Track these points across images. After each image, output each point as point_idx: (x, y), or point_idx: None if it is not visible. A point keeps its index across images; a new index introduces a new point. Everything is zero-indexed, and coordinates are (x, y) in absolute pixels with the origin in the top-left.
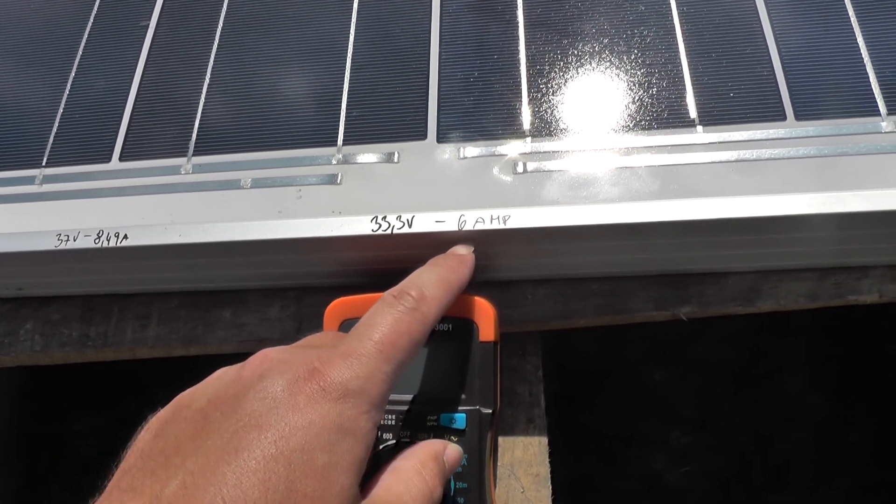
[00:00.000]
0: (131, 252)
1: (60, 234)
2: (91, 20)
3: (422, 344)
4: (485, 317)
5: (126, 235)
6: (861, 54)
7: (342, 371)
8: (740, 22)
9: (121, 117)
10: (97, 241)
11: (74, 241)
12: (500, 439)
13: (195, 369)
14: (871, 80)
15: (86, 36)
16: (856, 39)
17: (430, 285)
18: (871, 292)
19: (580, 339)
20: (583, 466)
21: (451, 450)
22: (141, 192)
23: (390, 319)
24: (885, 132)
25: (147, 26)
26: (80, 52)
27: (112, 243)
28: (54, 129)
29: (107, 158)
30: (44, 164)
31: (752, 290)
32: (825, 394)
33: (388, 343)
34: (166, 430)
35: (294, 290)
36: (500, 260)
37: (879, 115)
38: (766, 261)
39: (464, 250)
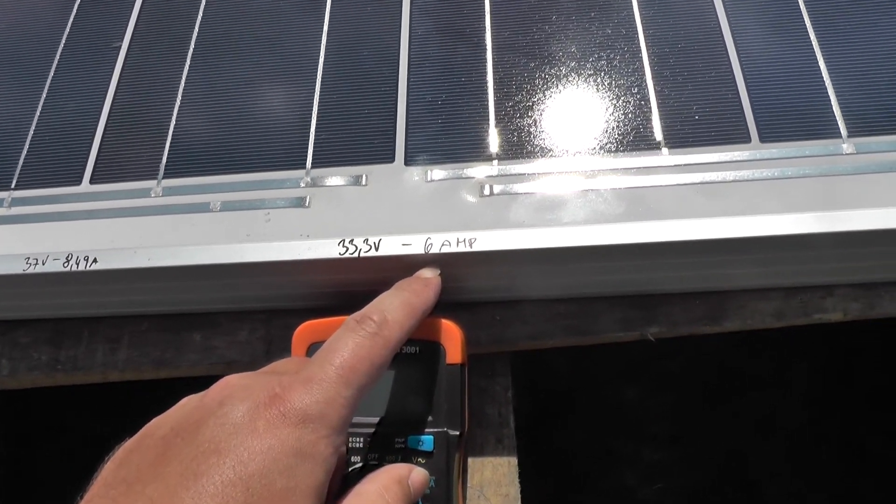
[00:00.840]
0: (101, 276)
1: (29, 258)
2: (63, 41)
3: (384, 368)
4: (452, 339)
5: (95, 259)
6: (823, 78)
7: (302, 396)
8: (706, 45)
9: (92, 139)
10: (66, 264)
11: (43, 264)
12: (470, 460)
13: (170, 389)
14: (832, 102)
15: (57, 57)
16: (818, 63)
17: (392, 309)
18: (835, 311)
19: (551, 357)
20: (554, 485)
21: (417, 474)
22: (111, 216)
23: (352, 344)
24: (846, 154)
25: (119, 48)
26: (51, 74)
27: (81, 267)
28: (24, 152)
29: (77, 181)
30: (13, 186)
31: (718, 309)
32: (796, 409)
33: (349, 368)
34: (130, 458)
35: (264, 312)
36: (467, 282)
37: (840, 136)
38: (733, 281)
39: (429, 273)
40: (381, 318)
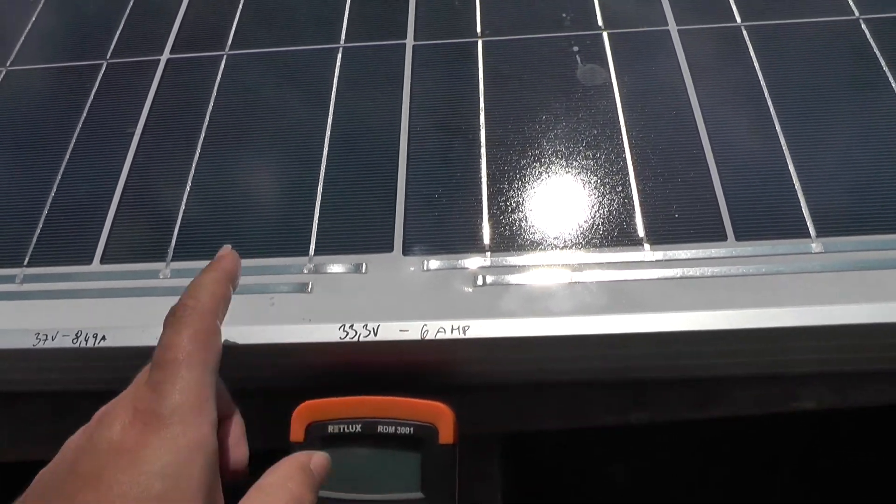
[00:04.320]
0: (109, 353)
1: (39, 333)
2: (80, 125)
3: (218, 335)
4: (444, 420)
5: (104, 336)
6: (793, 181)
7: (157, 399)
8: (685, 148)
9: (104, 221)
10: (75, 341)
11: (52, 340)
12: None
13: None
14: (801, 204)
15: (73, 141)
16: (788, 168)
17: (200, 285)
18: (810, 400)
19: (539, 442)
20: None
21: (318, 457)
22: (120, 295)
23: (175, 335)
24: (815, 252)
25: (133, 133)
26: (67, 156)
27: (90, 344)
28: (38, 230)
29: (88, 260)
30: (25, 263)
31: (703, 396)
32: (782, 493)
33: (185, 353)
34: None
35: (263, 391)
36: (460, 367)
37: (810, 236)
38: (712, 370)
39: (223, 250)
40: (193, 298)
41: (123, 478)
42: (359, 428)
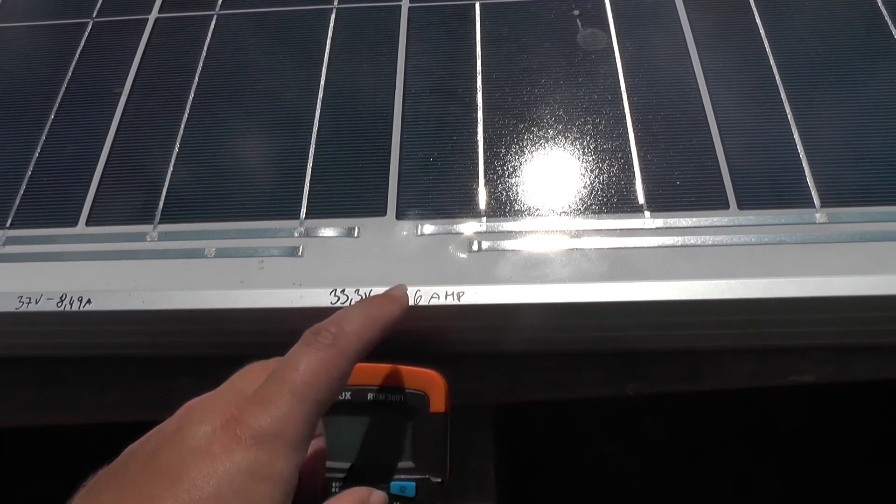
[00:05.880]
0: (94, 317)
1: (22, 297)
2: (65, 85)
3: (344, 380)
4: (436, 389)
5: (89, 300)
6: (797, 150)
7: (258, 417)
8: (687, 115)
9: (89, 182)
10: (59, 304)
11: (36, 303)
12: None
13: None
14: (806, 173)
15: (59, 100)
16: (793, 136)
17: (350, 320)
18: (808, 373)
19: (531, 412)
20: None
21: (376, 496)
22: (106, 258)
23: (306, 358)
24: (819, 223)
25: (120, 94)
26: (51, 116)
27: (75, 307)
28: (21, 191)
29: (73, 223)
30: (8, 225)
31: (697, 368)
32: (772, 467)
33: (304, 383)
34: (97, 485)
35: (254, 357)
36: (453, 334)
37: (814, 206)
38: (711, 340)
39: (397, 291)
40: (338, 328)
41: (202, 480)
42: (348, 396)
